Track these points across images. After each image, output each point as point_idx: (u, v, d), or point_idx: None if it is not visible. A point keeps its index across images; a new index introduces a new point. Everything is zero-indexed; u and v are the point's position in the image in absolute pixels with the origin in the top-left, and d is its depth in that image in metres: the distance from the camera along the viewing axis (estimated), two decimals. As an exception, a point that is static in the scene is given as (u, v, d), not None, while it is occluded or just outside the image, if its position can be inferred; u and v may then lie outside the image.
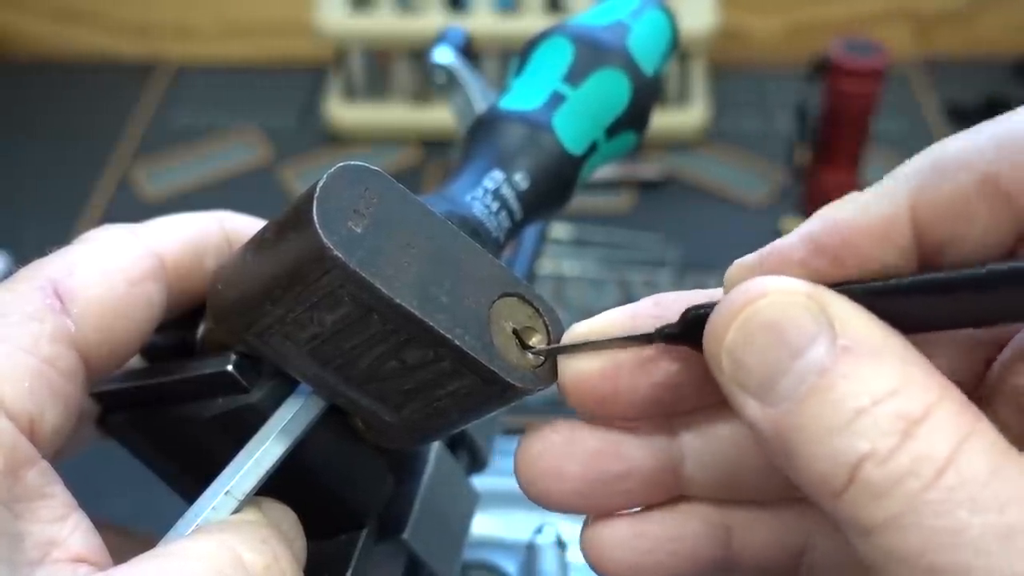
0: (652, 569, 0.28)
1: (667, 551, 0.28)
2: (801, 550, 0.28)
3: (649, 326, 0.26)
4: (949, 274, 0.22)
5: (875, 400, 0.21)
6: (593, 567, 0.28)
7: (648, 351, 0.26)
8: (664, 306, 0.27)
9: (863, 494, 0.21)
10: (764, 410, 0.22)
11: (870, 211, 0.23)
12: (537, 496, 0.28)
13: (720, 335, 0.23)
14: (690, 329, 0.25)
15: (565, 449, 0.27)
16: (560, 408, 0.27)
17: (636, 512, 0.29)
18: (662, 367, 0.26)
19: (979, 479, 0.20)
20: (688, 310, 0.25)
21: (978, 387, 0.26)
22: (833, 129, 1.03)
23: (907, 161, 0.24)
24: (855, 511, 0.21)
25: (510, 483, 0.28)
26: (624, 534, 0.28)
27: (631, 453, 0.28)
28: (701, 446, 0.28)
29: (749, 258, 0.25)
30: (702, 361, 0.25)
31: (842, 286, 0.23)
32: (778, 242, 0.25)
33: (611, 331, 0.27)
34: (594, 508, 0.28)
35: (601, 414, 0.27)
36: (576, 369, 0.27)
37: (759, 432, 0.23)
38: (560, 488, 0.28)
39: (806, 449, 0.21)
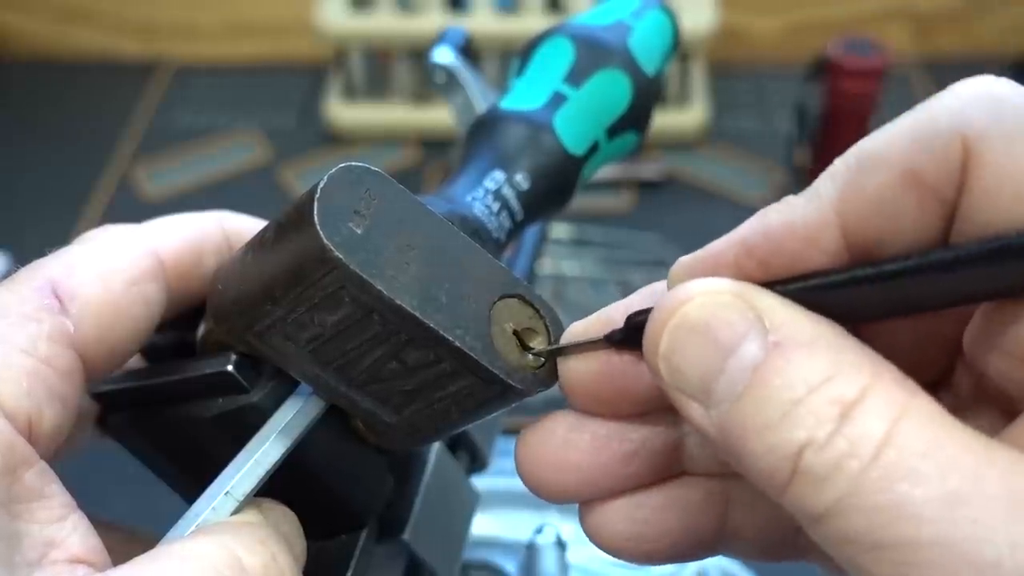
0: (653, 540, 0.28)
1: (667, 520, 0.28)
2: (799, 524, 0.28)
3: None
4: (866, 270, 0.21)
5: (809, 389, 0.21)
6: (592, 539, 0.28)
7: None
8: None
9: (806, 483, 0.20)
10: (707, 413, 0.22)
11: (797, 214, 0.23)
12: (539, 486, 0.27)
13: (655, 342, 0.23)
14: (634, 335, 0.24)
15: (568, 436, 0.27)
16: (561, 408, 0.27)
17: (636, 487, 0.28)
18: None
19: (918, 451, 0.20)
20: (630, 316, 0.25)
21: (950, 375, 0.26)
22: (833, 129, 1.03)
23: (835, 161, 0.23)
24: (802, 501, 0.21)
25: (510, 483, 0.28)
26: (623, 504, 0.28)
27: (634, 435, 0.27)
28: None
29: (688, 259, 0.25)
30: None
31: (771, 284, 0.23)
32: (713, 244, 0.24)
33: (608, 328, 0.26)
34: (597, 495, 0.28)
35: (603, 413, 0.27)
36: (573, 369, 0.27)
37: (706, 436, 0.22)
38: (562, 478, 0.27)
39: (749, 447, 0.21)
